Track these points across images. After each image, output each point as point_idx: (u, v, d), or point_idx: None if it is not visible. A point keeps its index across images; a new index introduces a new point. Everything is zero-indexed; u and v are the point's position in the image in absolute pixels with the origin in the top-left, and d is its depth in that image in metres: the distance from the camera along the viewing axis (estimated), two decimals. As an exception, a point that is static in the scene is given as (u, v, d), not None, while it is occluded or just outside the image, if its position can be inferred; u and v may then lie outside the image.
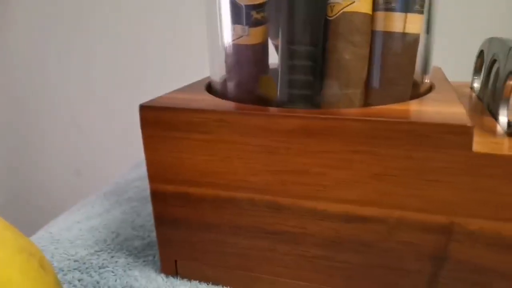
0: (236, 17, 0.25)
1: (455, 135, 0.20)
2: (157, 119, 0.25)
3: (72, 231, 0.34)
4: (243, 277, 0.27)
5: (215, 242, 0.26)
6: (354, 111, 0.22)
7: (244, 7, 0.25)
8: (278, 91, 0.25)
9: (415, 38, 0.25)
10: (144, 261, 0.30)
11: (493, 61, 0.27)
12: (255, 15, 0.25)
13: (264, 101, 0.25)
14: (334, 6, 0.24)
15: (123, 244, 0.32)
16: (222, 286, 0.27)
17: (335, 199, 0.23)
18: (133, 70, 0.68)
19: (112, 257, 0.30)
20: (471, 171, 0.20)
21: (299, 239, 0.24)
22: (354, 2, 0.24)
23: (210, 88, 0.29)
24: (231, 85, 0.27)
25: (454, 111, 0.21)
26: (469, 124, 0.20)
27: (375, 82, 0.25)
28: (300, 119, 0.22)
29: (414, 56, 0.26)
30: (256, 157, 0.23)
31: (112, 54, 0.68)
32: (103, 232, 0.33)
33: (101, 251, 0.31)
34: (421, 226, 0.22)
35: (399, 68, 0.25)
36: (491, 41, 0.29)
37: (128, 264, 0.30)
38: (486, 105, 0.28)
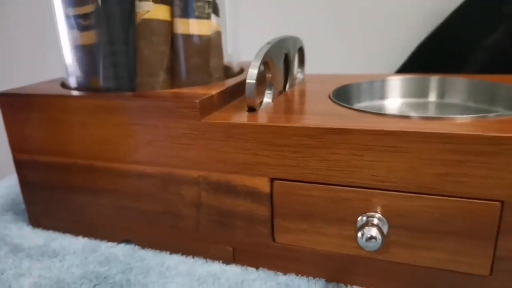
0: (69, 24, 0.33)
1: (187, 109, 0.27)
2: (9, 103, 0.32)
3: (-19, 198, 0.42)
4: (83, 227, 0.34)
5: (60, 200, 0.34)
6: (135, 94, 0.30)
7: (72, 16, 0.32)
8: (101, 81, 0.33)
9: (204, 38, 0.32)
10: (23, 218, 0.38)
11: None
12: (82, 22, 0.32)
13: (96, 90, 0.33)
14: (137, 14, 0.31)
15: (14, 206, 0.40)
16: (70, 234, 0.35)
17: (129, 161, 0.30)
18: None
19: (2, 215, 0.38)
20: (203, 136, 0.27)
21: (114, 194, 0.32)
22: (149, 11, 0.31)
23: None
24: (72, 79, 0.34)
25: (204, 92, 0.28)
26: (196, 100, 0.26)
27: (177, 72, 0.33)
28: (96, 100, 0.29)
29: (205, 52, 0.33)
30: (76, 130, 0.31)
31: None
32: (4, 198, 0.42)
33: (-6, 211, 0.39)
34: (183, 180, 0.29)
35: (192, 62, 0.32)
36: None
37: (9, 219, 0.37)
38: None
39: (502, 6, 0.41)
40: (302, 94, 0.33)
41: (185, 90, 0.30)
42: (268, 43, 0.30)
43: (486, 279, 0.23)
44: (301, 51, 0.38)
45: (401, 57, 0.48)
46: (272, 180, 0.26)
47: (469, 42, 0.42)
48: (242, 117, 0.27)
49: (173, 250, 0.31)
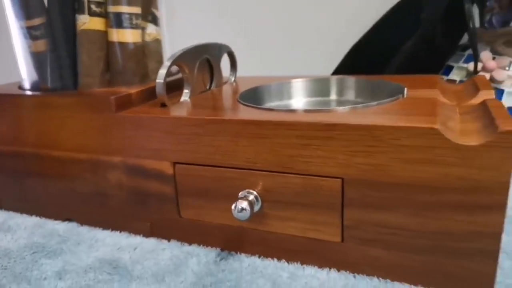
0: (23, 34, 0.38)
1: (105, 104, 0.32)
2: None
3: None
4: (35, 208, 0.39)
5: (17, 184, 0.39)
6: (68, 92, 0.35)
7: (25, 28, 0.38)
8: (49, 82, 0.38)
9: (135, 45, 0.37)
10: (-9, 201, 0.43)
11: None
12: (33, 33, 0.38)
13: (47, 90, 0.38)
14: (77, 25, 0.37)
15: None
16: (26, 214, 0.40)
17: (66, 149, 0.35)
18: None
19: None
20: (119, 126, 0.32)
21: (56, 178, 0.37)
22: (86, 22, 0.36)
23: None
24: (27, 81, 0.40)
25: (123, 91, 0.34)
26: (112, 97, 0.32)
27: (115, 73, 0.38)
28: (37, 98, 0.35)
29: (137, 56, 0.38)
30: (25, 122, 0.37)
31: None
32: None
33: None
34: (107, 165, 0.34)
35: (123, 65, 0.38)
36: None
37: (-20, 203, 0.43)
38: (206, 90, 0.40)
39: (421, 13, 0.45)
40: (222, 93, 0.38)
41: (116, 89, 0.35)
42: (182, 49, 0.35)
43: (339, 245, 0.28)
44: (231, 56, 0.43)
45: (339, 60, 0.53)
46: (174, 163, 0.31)
47: (392, 46, 0.46)
48: (151, 111, 0.32)
49: (105, 226, 0.36)
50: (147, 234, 0.35)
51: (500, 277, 0.27)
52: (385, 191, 0.25)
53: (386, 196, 0.25)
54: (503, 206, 0.23)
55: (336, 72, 0.51)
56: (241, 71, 0.46)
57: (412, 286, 0.27)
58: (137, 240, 0.34)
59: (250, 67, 0.50)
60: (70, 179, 0.36)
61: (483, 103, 0.28)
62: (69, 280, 0.30)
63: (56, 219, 0.39)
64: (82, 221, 0.37)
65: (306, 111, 0.29)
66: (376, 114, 0.27)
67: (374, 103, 0.29)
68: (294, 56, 0.62)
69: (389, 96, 0.33)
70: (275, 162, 0.27)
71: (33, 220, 0.39)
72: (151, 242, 0.34)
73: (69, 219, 0.38)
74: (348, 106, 0.29)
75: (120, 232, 0.36)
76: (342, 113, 0.27)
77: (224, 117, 0.28)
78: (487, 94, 0.30)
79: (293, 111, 0.29)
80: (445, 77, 0.47)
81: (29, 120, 0.36)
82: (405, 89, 0.32)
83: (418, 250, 0.26)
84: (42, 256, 0.33)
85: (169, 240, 0.34)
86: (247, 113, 0.29)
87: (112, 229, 0.36)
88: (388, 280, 0.27)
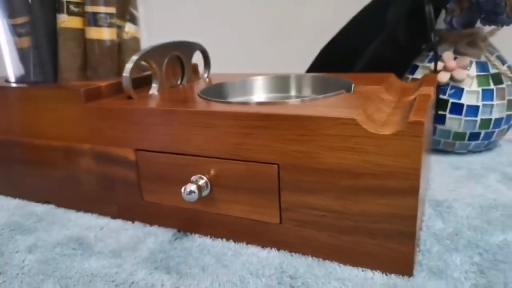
0: (10, 32, 0.42)
1: (76, 96, 0.35)
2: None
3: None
4: (18, 191, 0.43)
5: (2, 170, 0.43)
6: (44, 85, 0.38)
7: (11, 25, 0.41)
8: (31, 76, 0.41)
9: (110, 42, 0.40)
10: (-19, 186, 0.47)
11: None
12: (19, 30, 0.41)
13: (30, 83, 0.42)
14: (57, 24, 0.40)
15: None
16: (10, 197, 0.44)
17: (43, 137, 0.39)
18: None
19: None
20: (88, 117, 0.35)
21: (35, 164, 0.40)
22: (64, 21, 0.40)
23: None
24: (12, 75, 0.43)
25: (102, 84, 0.37)
26: (82, 89, 0.35)
27: (91, 68, 0.41)
28: (18, 90, 0.38)
29: (111, 52, 0.41)
30: (10, 113, 0.40)
31: None
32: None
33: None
34: (78, 152, 0.37)
35: (99, 60, 0.41)
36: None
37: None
38: (176, 85, 0.42)
39: (386, 15, 0.47)
40: (191, 88, 0.41)
41: (90, 83, 0.38)
42: (150, 46, 0.38)
43: (278, 226, 0.30)
44: (204, 54, 0.46)
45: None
46: (136, 150, 0.34)
47: (360, 46, 0.49)
48: (116, 103, 0.35)
49: (78, 208, 0.39)
50: (115, 216, 0.38)
51: (425, 259, 0.29)
52: (314, 176, 0.28)
53: (315, 181, 0.28)
54: (416, 191, 0.26)
55: (309, 70, 0.54)
56: (222, 68, 0.49)
57: (341, 264, 0.29)
58: (105, 221, 0.37)
59: (229, 64, 0.53)
60: (48, 165, 0.40)
61: (415, 98, 0.30)
62: (38, 253, 0.33)
63: (36, 201, 0.42)
64: (59, 204, 0.41)
65: (257, 103, 0.31)
66: (314, 107, 0.29)
67: (320, 96, 0.32)
68: (273, 54, 0.64)
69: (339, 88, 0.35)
70: (222, 150, 0.30)
71: (16, 202, 0.42)
72: (117, 223, 0.37)
73: (48, 202, 0.42)
74: (294, 100, 0.31)
75: (92, 214, 0.39)
76: (284, 106, 0.30)
77: (177, 108, 0.31)
78: (425, 91, 0.33)
79: (242, 103, 0.32)
80: (410, 76, 0.49)
81: (13, 110, 0.40)
82: (353, 85, 0.35)
83: (344, 230, 0.28)
84: (18, 233, 0.36)
85: (133, 222, 0.37)
86: (200, 105, 0.32)
87: (85, 211, 0.39)
88: (320, 259, 0.30)
